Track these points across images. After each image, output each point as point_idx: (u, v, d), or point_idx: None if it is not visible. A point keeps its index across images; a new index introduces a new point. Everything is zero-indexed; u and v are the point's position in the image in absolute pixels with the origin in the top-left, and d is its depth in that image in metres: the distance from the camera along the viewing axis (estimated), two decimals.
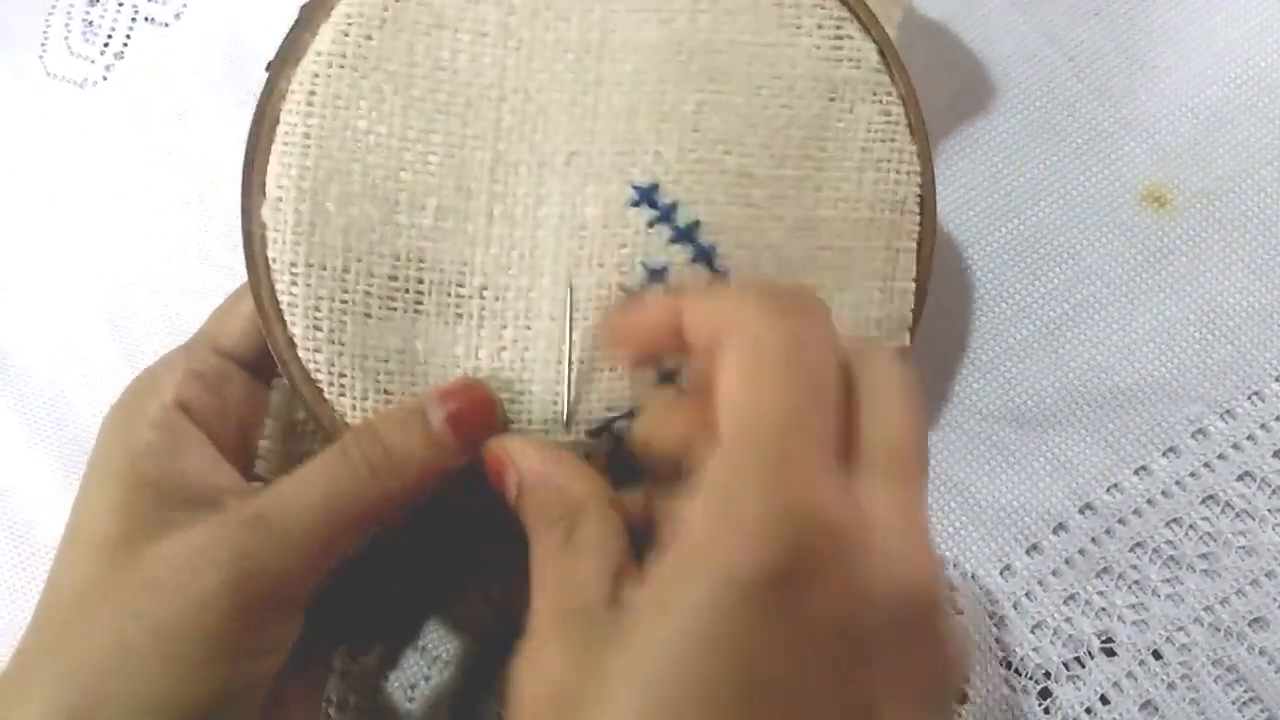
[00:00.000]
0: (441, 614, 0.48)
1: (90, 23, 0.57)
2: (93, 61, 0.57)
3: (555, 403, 0.38)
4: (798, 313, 0.30)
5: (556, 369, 0.38)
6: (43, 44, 0.57)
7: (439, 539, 0.46)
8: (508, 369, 0.39)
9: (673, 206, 0.39)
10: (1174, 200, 0.48)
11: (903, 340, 0.41)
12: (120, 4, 0.57)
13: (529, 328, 0.39)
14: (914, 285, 0.41)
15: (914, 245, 0.41)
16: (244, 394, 0.41)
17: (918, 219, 0.41)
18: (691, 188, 0.39)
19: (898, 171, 0.41)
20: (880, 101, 0.40)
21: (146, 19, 0.57)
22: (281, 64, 0.39)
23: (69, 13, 0.58)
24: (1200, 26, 0.49)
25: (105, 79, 0.57)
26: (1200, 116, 0.48)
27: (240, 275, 0.53)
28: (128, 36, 0.57)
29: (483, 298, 0.39)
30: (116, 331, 0.54)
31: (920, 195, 0.41)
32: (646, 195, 0.39)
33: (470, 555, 0.47)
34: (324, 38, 0.38)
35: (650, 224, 0.39)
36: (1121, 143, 0.48)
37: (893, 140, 0.41)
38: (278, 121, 0.38)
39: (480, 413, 0.37)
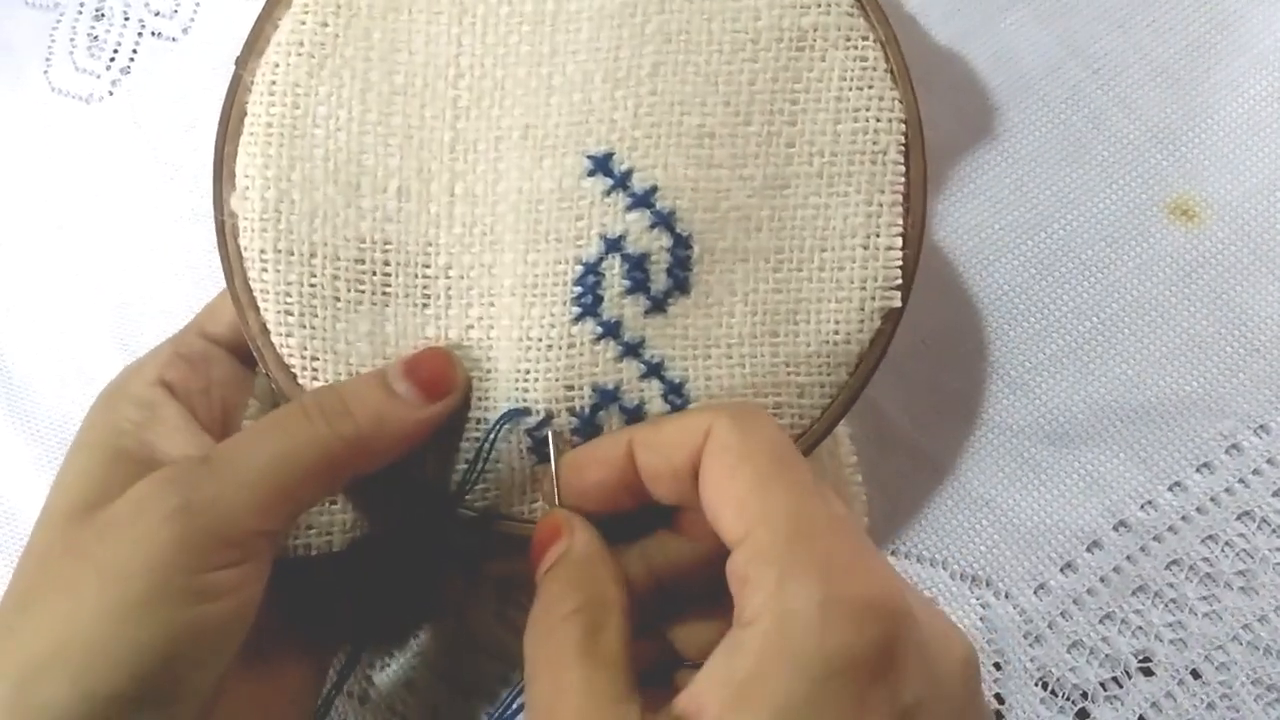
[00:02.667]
0: (454, 632, 0.47)
1: (95, 37, 0.56)
2: (98, 77, 0.56)
3: (520, 379, 0.38)
4: (763, 419, 0.33)
5: (520, 345, 0.38)
6: (47, 59, 0.56)
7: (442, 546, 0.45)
8: (476, 347, 0.39)
9: (628, 173, 0.38)
10: (1202, 213, 0.47)
11: (893, 301, 0.39)
12: (126, 19, 0.56)
13: (493, 304, 0.39)
14: (900, 241, 0.39)
15: (899, 198, 0.39)
16: (229, 375, 0.41)
17: (902, 169, 0.39)
18: (648, 152, 0.38)
19: (878, 119, 0.39)
20: (855, 47, 0.39)
21: (153, 33, 0.56)
22: (246, 56, 0.39)
23: (74, 27, 0.57)
24: (1226, 38, 0.48)
25: (111, 94, 0.56)
26: (1227, 128, 0.48)
27: None
28: (134, 51, 0.56)
29: (448, 277, 0.39)
30: (124, 350, 0.53)
31: (904, 144, 0.39)
32: (601, 164, 0.38)
33: (472, 563, 0.47)
34: (283, 28, 0.39)
35: (606, 193, 0.38)
36: (1148, 155, 0.48)
37: (870, 87, 0.39)
38: (244, 114, 0.39)
39: (440, 369, 0.38)
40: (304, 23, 0.39)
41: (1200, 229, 0.47)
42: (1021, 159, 0.49)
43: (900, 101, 0.39)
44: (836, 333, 0.39)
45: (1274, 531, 0.44)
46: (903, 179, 0.39)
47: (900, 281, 0.39)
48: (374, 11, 0.39)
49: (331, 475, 0.36)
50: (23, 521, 0.52)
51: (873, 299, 0.39)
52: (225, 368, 0.41)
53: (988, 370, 0.47)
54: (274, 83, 0.39)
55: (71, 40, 0.56)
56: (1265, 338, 0.46)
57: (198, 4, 0.56)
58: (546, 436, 0.38)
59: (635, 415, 0.38)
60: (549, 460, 0.37)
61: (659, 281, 0.38)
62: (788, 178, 0.39)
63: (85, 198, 0.55)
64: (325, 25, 0.39)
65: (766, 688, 0.28)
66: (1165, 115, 0.48)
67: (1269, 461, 0.45)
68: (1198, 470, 0.45)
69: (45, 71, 0.56)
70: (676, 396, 0.39)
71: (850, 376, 0.39)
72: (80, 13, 0.57)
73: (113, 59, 0.56)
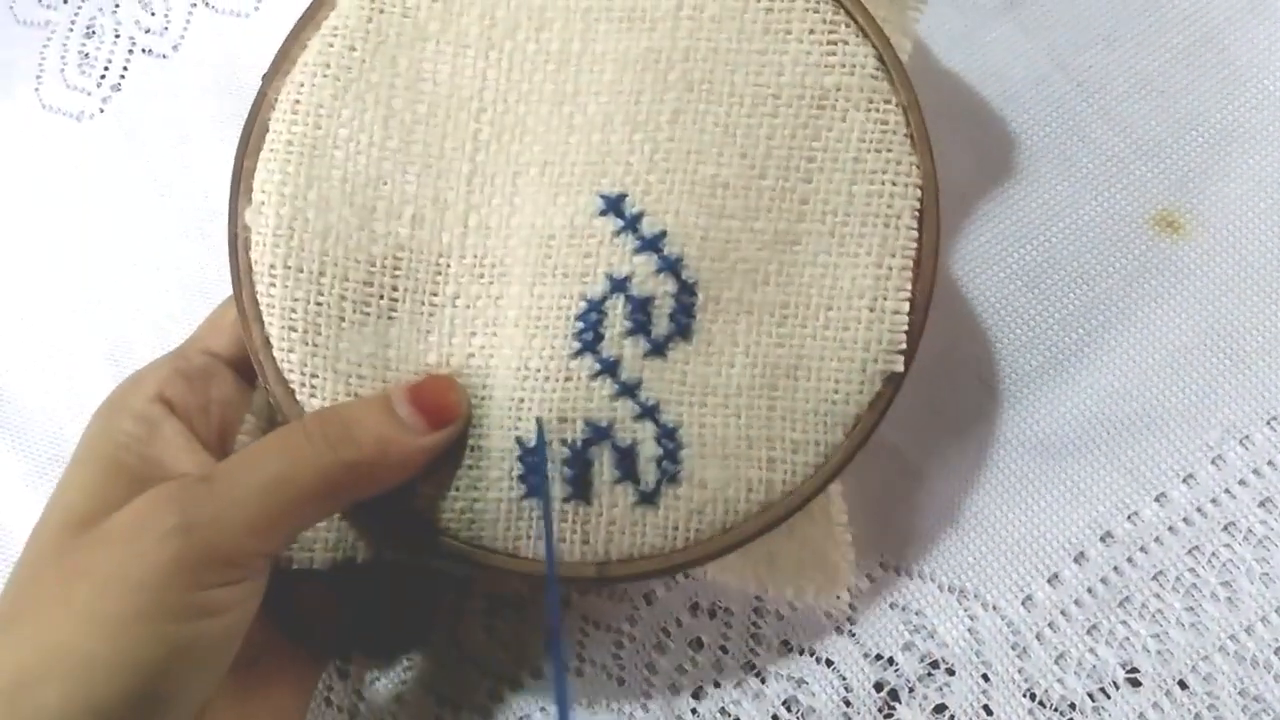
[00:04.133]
0: (443, 645, 0.48)
1: (86, 55, 0.57)
2: (89, 94, 0.56)
3: (515, 408, 0.38)
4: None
5: (518, 374, 0.38)
6: (38, 76, 0.57)
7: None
8: (475, 375, 0.39)
9: (639, 216, 0.38)
10: (1186, 225, 0.48)
11: (895, 366, 0.39)
12: (117, 36, 0.56)
13: (495, 335, 0.39)
14: (907, 306, 0.39)
15: (909, 262, 0.39)
16: (229, 392, 0.41)
17: (915, 234, 0.39)
18: (660, 197, 0.38)
19: (894, 184, 0.39)
20: (877, 110, 0.39)
21: (144, 50, 0.56)
22: (272, 75, 0.40)
23: (65, 45, 0.57)
24: (1210, 50, 0.49)
25: (102, 111, 0.56)
26: (1211, 140, 0.48)
27: None
28: (125, 68, 0.56)
29: (455, 305, 0.39)
30: (116, 367, 0.53)
31: (919, 209, 0.39)
32: (613, 205, 0.38)
33: (462, 579, 0.47)
34: (311, 50, 0.39)
35: (616, 233, 0.38)
36: (1132, 167, 0.48)
37: (889, 151, 0.39)
38: (266, 130, 0.39)
39: (444, 397, 0.38)
40: (332, 45, 0.39)
41: (1185, 241, 0.47)
42: (1006, 172, 0.49)
43: (918, 167, 0.39)
44: (836, 392, 0.39)
45: (1259, 543, 0.45)
46: (914, 244, 0.39)
47: (904, 346, 0.39)
48: (402, 40, 0.39)
49: (331, 499, 0.37)
50: (14, 538, 0.52)
51: (875, 361, 0.39)
52: (225, 385, 0.41)
53: (974, 383, 0.47)
54: (298, 102, 0.39)
55: (62, 58, 0.57)
56: (1250, 349, 0.46)
57: (188, 21, 0.56)
58: (538, 465, 0.38)
59: (627, 454, 0.38)
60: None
61: (661, 325, 0.38)
62: (799, 234, 0.39)
63: (76, 215, 0.55)
64: (353, 50, 0.39)
65: None
66: (1150, 128, 0.49)
67: (1254, 473, 0.45)
68: (1183, 482, 0.45)
69: (36, 89, 0.57)
70: (669, 441, 0.38)
71: (846, 437, 0.39)
72: (71, 30, 0.57)
73: (103, 76, 0.56)
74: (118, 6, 0.56)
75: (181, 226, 0.54)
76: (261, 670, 0.40)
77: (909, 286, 0.39)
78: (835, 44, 0.39)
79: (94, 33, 0.57)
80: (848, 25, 0.39)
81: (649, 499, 0.38)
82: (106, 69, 0.56)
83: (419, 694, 0.47)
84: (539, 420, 0.38)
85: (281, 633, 0.41)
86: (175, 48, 0.56)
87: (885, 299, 0.39)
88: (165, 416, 0.39)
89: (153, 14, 0.56)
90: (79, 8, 0.57)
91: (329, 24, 0.39)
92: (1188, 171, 0.48)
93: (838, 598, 0.45)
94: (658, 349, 0.38)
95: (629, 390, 0.38)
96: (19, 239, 0.55)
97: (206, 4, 0.56)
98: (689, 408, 0.38)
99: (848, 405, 0.39)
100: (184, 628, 0.33)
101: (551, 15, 0.39)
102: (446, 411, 0.38)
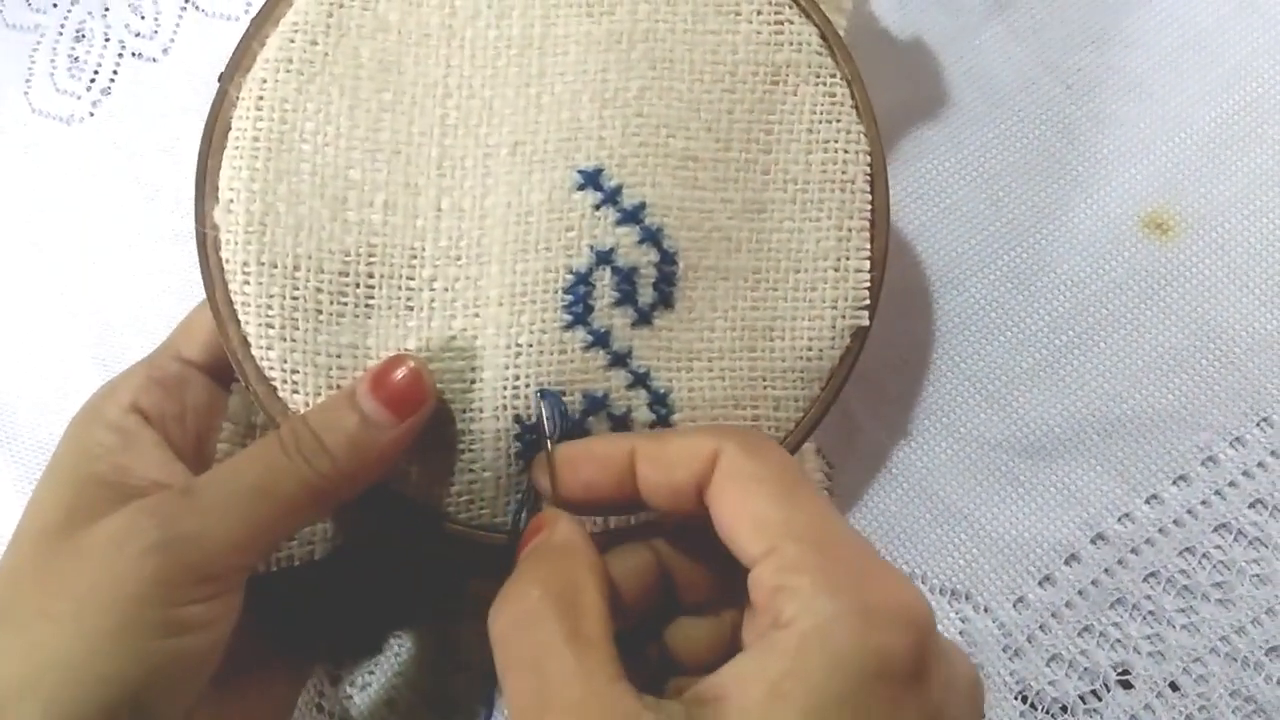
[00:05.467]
0: (435, 650, 0.47)
1: (76, 58, 0.56)
2: (79, 97, 0.56)
3: (508, 384, 0.38)
4: (770, 445, 0.34)
5: (508, 351, 0.38)
6: (27, 80, 0.57)
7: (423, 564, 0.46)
8: (459, 358, 0.39)
9: (618, 189, 0.39)
10: (1176, 226, 0.48)
11: (861, 320, 0.41)
12: (107, 40, 0.56)
13: (477, 315, 0.39)
14: (868, 264, 0.41)
15: (866, 224, 0.41)
16: (204, 398, 0.41)
17: (869, 197, 0.41)
18: (636, 170, 0.39)
19: (845, 151, 0.41)
20: (824, 84, 0.41)
21: (134, 54, 0.56)
22: (232, 73, 0.40)
23: (54, 48, 0.57)
24: (1199, 52, 0.49)
25: (91, 115, 0.56)
26: (1200, 142, 0.48)
27: None
28: (114, 72, 0.56)
29: (432, 289, 0.39)
30: (104, 370, 0.53)
31: (870, 174, 0.41)
32: (591, 179, 0.39)
33: (453, 579, 0.47)
34: (271, 46, 0.39)
35: (596, 207, 0.39)
36: (1121, 169, 0.48)
37: (838, 120, 0.41)
38: (229, 129, 0.39)
39: (409, 383, 0.37)
40: (293, 41, 0.39)
41: (1174, 242, 0.48)
42: (997, 174, 0.49)
43: (865, 135, 0.41)
44: (809, 349, 0.40)
45: (1250, 543, 0.45)
46: (869, 206, 0.41)
47: (868, 302, 0.41)
48: (363, 31, 0.39)
49: (313, 508, 0.36)
50: (3, 543, 0.52)
51: (843, 317, 0.41)
52: (200, 391, 0.41)
53: (965, 385, 0.47)
54: (261, 98, 0.39)
55: (52, 61, 0.57)
56: (1240, 350, 0.46)
57: (178, 25, 0.56)
58: (536, 439, 0.38)
59: (622, 422, 0.39)
60: (545, 451, 0.37)
61: (646, 295, 0.39)
62: (765, 202, 0.40)
63: (66, 218, 0.55)
64: (314, 44, 0.39)
65: (804, 684, 0.28)
66: (1139, 130, 0.49)
67: (1245, 474, 0.45)
68: (1174, 483, 0.46)
69: (26, 92, 0.56)
70: (661, 406, 0.39)
71: (822, 390, 0.41)
72: (61, 34, 0.57)
73: (93, 80, 0.56)
74: (107, 10, 0.56)
75: (172, 229, 0.54)
76: (243, 679, 0.40)
77: (868, 246, 0.41)
78: (781, 23, 0.41)
79: (84, 36, 0.56)
80: (791, 6, 0.41)
81: None
82: (96, 72, 0.56)
83: (410, 698, 0.47)
84: (544, 392, 0.38)
85: (263, 641, 0.41)
86: (165, 51, 0.56)
87: (848, 259, 0.41)
88: (140, 426, 0.39)
89: (142, 17, 0.56)
90: (68, 11, 0.57)
91: (288, 20, 0.39)
92: (1177, 173, 0.48)
93: None
94: (644, 318, 0.39)
95: (621, 360, 0.39)
96: (9, 243, 0.55)
97: (196, 7, 0.56)
98: (677, 373, 0.40)
99: (821, 360, 0.41)
100: (164, 643, 0.33)
101: (511, 3, 0.40)
102: (413, 397, 0.37)
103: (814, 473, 0.44)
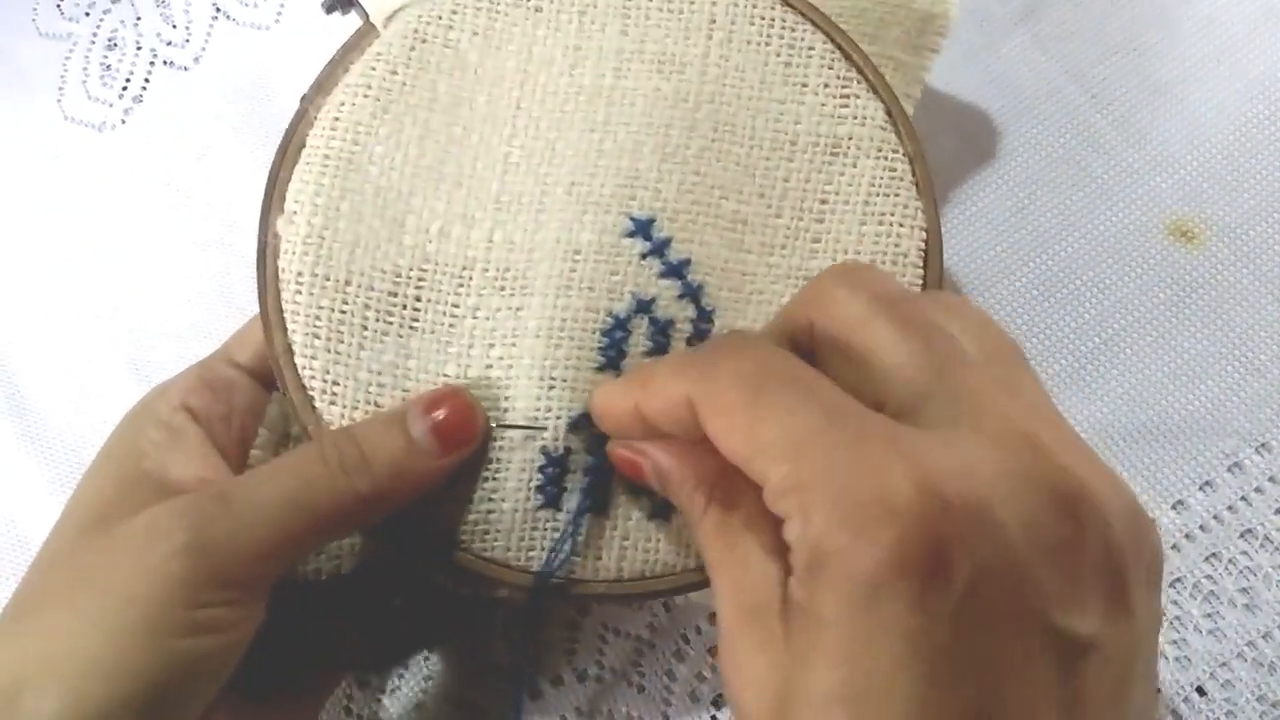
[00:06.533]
0: (461, 654, 0.48)
1: (108, 67, 0.57)
2: (111, 105, 0.56)
3: (536, 417, 0.39)
4: (725, 360, 0.31)
5: (540, 384, 0.39)
6: (60, 88, 0.57)
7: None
8: (494, 386, 0.39)
9: (666, 241, 0.39)
10: (1201, 234, 0.48)
11: None
12: (139, 48, 0.57)
13: (514, 345, 0.39)
14: None
15: None
16: (251, 401, 0.42)
17: (921, 272, 0.41)
18: (686, 226, 0.40)
19: (900, 225, 0.41)
20: (885, 158, 0.41)
21: (166, 62, 0.57)
22: (314, 94, 0.41)
23: (87, 57, 0.57)
24: (1224, 61, 0.49)
25: (124, 122, 0.56)
26: (1226, 150, 0.48)
27: None
28: (146, 80, 0.57)
29: (475, 318, 0.40)
30: (137, 375, 0.53)
31: (924, 250, 0.41)
32: (643, 228, 0.40)
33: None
34: (354, 72, 0.41)
35: (643, 255, 0.39)
36: (1147, 178, 0.49)
37: (896, 195, 0.41)
38: (303, 145, 0.40)
39: (462, 418, 0.38)
40: (374, 69, 0.41)
41: (1200, 250, 0.48)
42: (1022, 182, 0.49)
43: (923, 211, 0.41)
44: None
45: (1276, 549, 0.45)
46: (921, 281, 0.41)
47: None
48: (443, 67, 0.41)
49: (343, 524, 0.37)
50: (36, 546, 0.52)
51: None
52: (247, 394, 0.42)
53: None
54: (337, 119, 0.40)
55: (84, 69, 0.57)
56: (1265, 357, 0.46)
57: (209, 34, 0.56)
58: (558, 474, 0.39)
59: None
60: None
61: (677, 349, 0.39)
62: (811, 270, 0.40)
63: (97, 224, 0.55)
64: (394, 73, 0.41)
65: (827, 618, 0.26)
66: (1164, 137, 0.49)
67: (1271, 479, 0.45)
68: (1200, 489, 0.46)
69: (59, 100, 0.57)
70: None
71: None
72: (93, 42, 0.57)
73: (125, 88, 0.57)
74: (139, 19, 0.57)
75: (202, 237, 0.54)
76: (271, 686, 0.40)
77: None
78: (848, 97, 0.41)
79: (116, 45, 0.57)
80: (859, 81, 0.41)
81: (662, 511, 0.39)
82: (128, 81, 0.57)
83: (439, 703, 0.47)
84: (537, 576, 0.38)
85: (292, 651, 0.41)
86: (196, 60, 0.56)
87: None
88: (187, 423, 0.40)
89: (174, 26, 0.57)
90: (101, 20, 0.57)
91: (373, 50, 0.41)
92: (1202, 181, 0.48)
93: None
94: None
95: None
96: (42, 249, 0.55)
97: (227, 17, 0.56)
98: None
99: None
100: (182, 643, 0.33)
101: (585, 54, 0.41)
102: (464, 433, 0.37)
103: None
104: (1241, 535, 0.45)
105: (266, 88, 0.56)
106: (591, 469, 0.39)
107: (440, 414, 0.37)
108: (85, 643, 0.32)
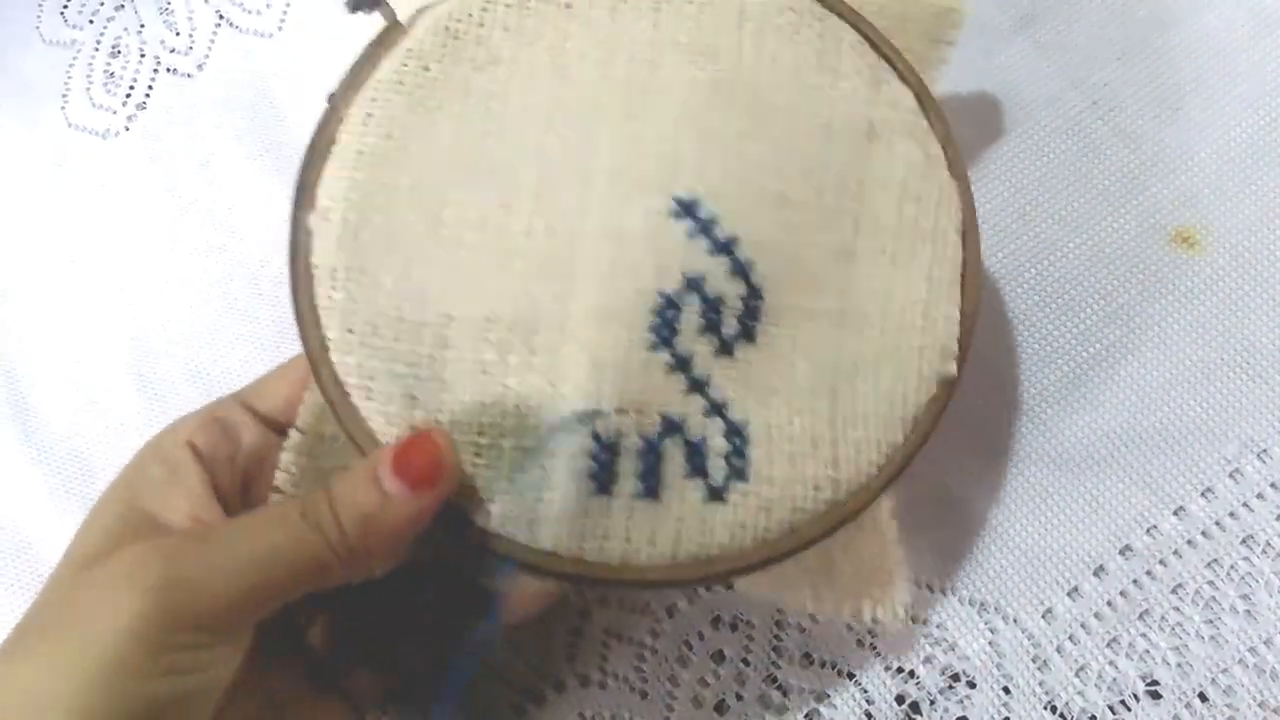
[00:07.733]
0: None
1: (112, 74, 0.57)
2: (114, 112, 0.57)
3: (587, 403, 0.38)
4: None
5: (592, 367, 0.38)
6: (64, 95, 0.57)
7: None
8: (538, 374, 0.38)
9: (712, 220, 0.39)
10: (1203, 241, 0.48)
11: (949, 370, 0.40)
12: (142, 55, 0.57)
13: (560, 331, 0.39)
14: (958, 314, 0.41)
15: (957, 275, 0.41)
16: (257, 444, 0.41)
17: (960, 250, 0.41)
18: (732, 205, 0.39)
19: (937, 205, 0.41)
20: (919, 141, 0.41)
21: (169, 70, 0.57)
22: (344, 92, 0.40)
23: (90, 64, 0.58)
24: (1226, 69, 0.49)
25: (127, 129, 0.57)
26: (1227, 158, 0.49)
27: (263, 324, 0.53)
28: (150, 87, 0.57)
29: (516, 304, 0.39)
30: (139, 382, 0.53)
31: (962, 229, 0.41)
32: (688, 208, 0.39)
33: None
34: (384, 68, 0.40)
35: (690, 235, 0.39)
36: (1148, 185, 0.49)
37: (932, 176, 0.41)
38: (334, 142, 0.40)
39: (429, 459, 0.37)
40: (406, 64, 0.40)
41: (1202, 257, 0.48)
42: (1024, 189, 0.50)
43: (960, 193, 0.41)
44: (893, 395, 0.40)
45: (1277, 556, 0.45)
46: (960, 259, 0.41)
47: (957, 351, 0.40)
48: (476, 62, 0.40)
49: (319, 580, 0.36)
50: (39, 552, 0.53)
51: (930, 365, 0.40)
52: (255, 437, 0.41)
53: (992, 397, 0.48)
54: (370, 115, 0.40)
55: (88, 77, 0.57)
56: (1266, 364, 0.46)
57: (212, 41, 0.57)
58: (610, 459, 0.38)
59: (696, 449, 0.38)
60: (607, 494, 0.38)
61: (729, 326, 0.39)
62: (854, 250, 0.40)
63: (101, 231, 0.55)
64: (427, 69, 0.40)
65: None
66: (1166, 145, 0.49)
67: (1271, 486, 0.45)
68: (1201, 495, 0.46)
69: (62, 107, 0.57)
70: (737, 437, 0.39)
71: (905, 438, 0.40)
72: (97, 50, 0.58)
73: (129, 95, 0.57)
74: (143, 26, 0.57)
75: (205, 243, 0.54)
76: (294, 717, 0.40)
77: (958, 296, 0.41)
78: (879, 84, 0.41)
79: (119, 52, 0.57)
80: (888, 69, 0.42)
81: (718, 494, 0.38)
82: (132, 88, 0.57)
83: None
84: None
85: (311, 681, 0.41)
86: (200, 67, 0.57)
87: (936, 308, 0.41)
88: (189, 461, 0.39)
89: (177, 34, 0.57)
90: (104, 27, 0.58)
91: (403, 46, 0.40)
92: (1204, 188, 0.48)
93: (896, 615, 0.43)
94: (726, 348, 0.39)
95: (700, 386, 0.39)
96: (45, 256, 0.56)
97: (231, 24, 0.57)
98: (754, 407, 0.39)
99: (906, 407, 0.40)
100: (156, 683, 0.32)
101: (618, 48, 0.41)
102: (433, 473, 0.36)
103: (889, 531, 0.43)
104: (1242, 542, 0.45)
105: (269, 95, 0.56)
106: (644, 452, 0.38)
107: (410, 462, 0.36)
108: (57, 683, 0.32)
